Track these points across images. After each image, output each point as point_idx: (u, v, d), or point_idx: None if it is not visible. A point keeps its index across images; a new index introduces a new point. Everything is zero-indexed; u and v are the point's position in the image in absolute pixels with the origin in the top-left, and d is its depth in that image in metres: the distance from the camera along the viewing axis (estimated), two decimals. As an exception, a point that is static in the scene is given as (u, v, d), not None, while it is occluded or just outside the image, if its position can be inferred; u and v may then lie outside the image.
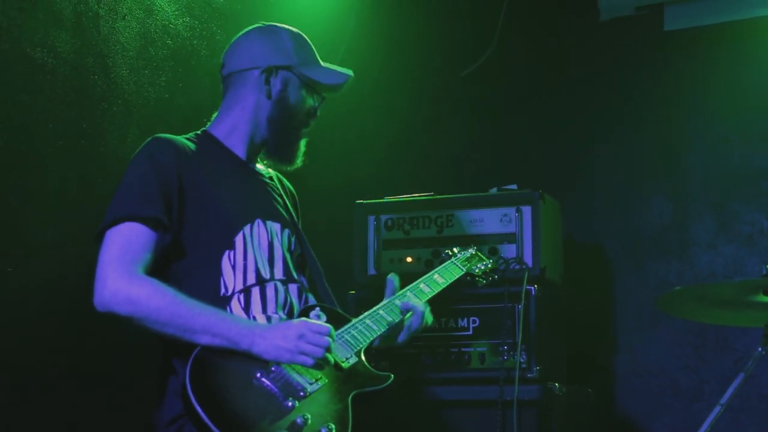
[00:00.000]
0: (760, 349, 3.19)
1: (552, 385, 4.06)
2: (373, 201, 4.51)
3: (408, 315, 3.05)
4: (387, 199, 4.51)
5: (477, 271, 3.53)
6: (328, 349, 2.70)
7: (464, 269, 3.46)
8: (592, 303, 4.82)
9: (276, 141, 3.03)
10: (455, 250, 3.56)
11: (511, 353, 4.10)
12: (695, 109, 4.81)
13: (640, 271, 4.78)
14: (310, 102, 3.07)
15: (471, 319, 4.24)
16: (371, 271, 4.42)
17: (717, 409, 3.10)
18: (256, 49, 3.04)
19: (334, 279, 3.24)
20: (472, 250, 3.59)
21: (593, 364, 4.75)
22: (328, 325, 2.75)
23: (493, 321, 4.19)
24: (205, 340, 2.64)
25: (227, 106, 3.06)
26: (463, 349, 4.21)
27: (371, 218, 4.47)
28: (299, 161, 3.10)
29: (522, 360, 4.08)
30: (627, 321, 4.78)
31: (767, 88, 4.67)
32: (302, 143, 3.09)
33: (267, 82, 3.01)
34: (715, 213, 4.71)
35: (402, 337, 3.06)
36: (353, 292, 4.27)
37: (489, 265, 3.61)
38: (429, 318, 3.10)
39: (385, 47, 5.05)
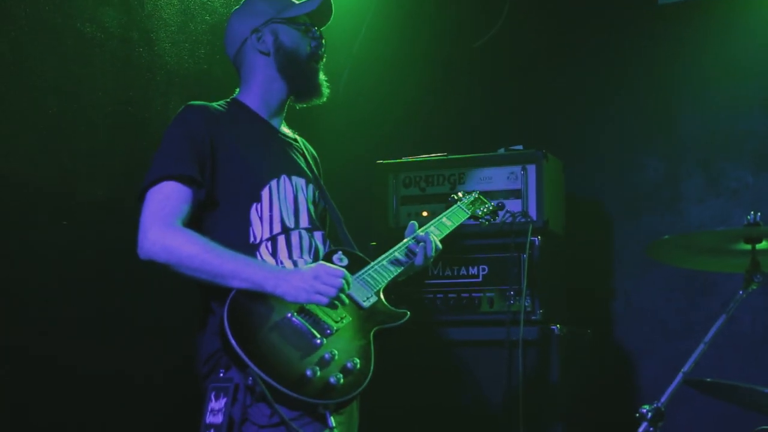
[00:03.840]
0: (741, 292, 3.18)
1: (554, 326, 4.10)
2: (392, 161, 4.53)
3: (421, 244, 3.08)
4: (405, 159, 4.53)
5: (480, 213, 3.54)
6: (341, 290, 2.72)
7: (469, 212, 3.48)
8: (591, 253, 4.84)
9: (295, 83, 3.03)
10: (460, 194, 3.57)
11: (517, 298, 4.13)
12: (687, 76, 4.78)
13: (635, 224, 4.79)
14: (306, 37, 3.05)
15: (481, 267, 4.28)
16: (391, 224, 4.46)
17: (701, 347, 3.11)
18: (237, 25, 3.06)
19: (357, 233, 3.26)
20: (475, 194, 3.59)
21: (592, 307, 4.77)
22: (343, 268, 2.77)
23: (500, 269, 4.22)
24: (234, 284, 2.68)
25: (244, 81, 3.07)
26: (473, 295, 4.25)
27: (390, 176, 4.50)
28: (326, 91, 3.08)
29: (527, 304, 4.11)
30: (623, 269, 4.80)
31: (753, 57, 4.63)
32: (321, 75, 3.07)
33: (259, 42, 3.02)
34: (704, 170, 4.70)
35: (419, 261, 3.08)
36: (374, 243, 4.31)
37: (491, 207, 3.62)
38: (438, 242, 3.12)
39: (403, 21, 5.04)
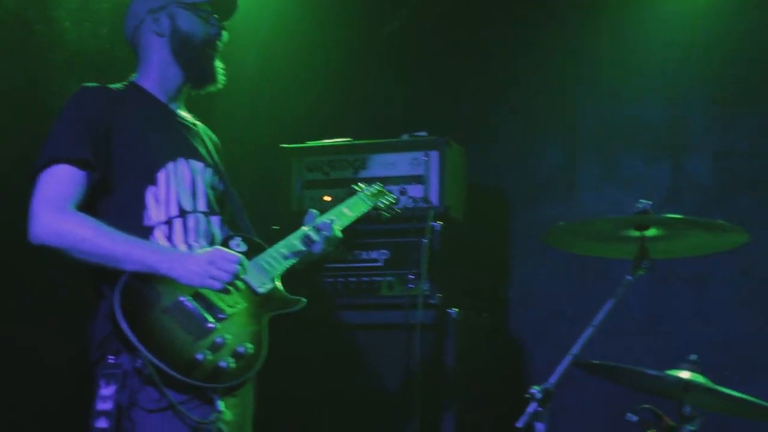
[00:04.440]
0: (629, 277, 3.25)
1: (452, 310, 4.14)
2: (296, 145, 4.51)
3: (321, 232, 3.07)
4: (309, 143, 4.51)
5: (381, 205, 3.55)
6: (236, 275, 2.71)
7: (371, 204, 3.47)
8: (490, 238, 4.90)
9: (188, 68, 2.99)
10: (362, 185, 3.57)
11: (417, 282, 4.16)
12: (586, 66, 4.86)
13: (534, 211, 4.86)
14: (205, 24, 3.01)
15: (381, 251, 4.29)
16: (294, 208, 4.44)
17: (589, 330, 3.17)
18: (136, 6, 3.03)
19: (260, 217, 3.24)
20: (377, 186, 3.60)
21: (490, 292, 4.83)
22: (240, 254, 2.76)
23: (401, 253, 4.24)
24: (128, 266, 2.64)
25: (141, 63, 3.03)
26: (374, 279, 4.27)
27: (294, 161, 4.48)
28: (221, 78, 3.05)
29: (426, 288, 4.14)
30: (520, 254, 4.87)
31: (648, 47, 4.73)
32: (216, 62, 3.03)
33: (155, 24, 2.98)
34: (600, 159, 4.80)
35: (317, 249, 3.07)
36: (277, 227, 4.27)
37: (392, 200, 3.63)
38: (338, 231, 3.12)
39: (310, 7, 5.00)
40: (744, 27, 4.58)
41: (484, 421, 4.28)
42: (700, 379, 3.22)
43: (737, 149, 4.56)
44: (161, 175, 2.84)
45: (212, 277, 2.67)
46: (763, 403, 3.21)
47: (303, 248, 3.04)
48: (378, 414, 4.13)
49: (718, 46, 4.60)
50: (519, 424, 2.98)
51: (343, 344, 4.22)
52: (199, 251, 2.73)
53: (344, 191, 4.20)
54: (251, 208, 3.17)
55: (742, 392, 3.32)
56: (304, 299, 2.94)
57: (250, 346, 2.71)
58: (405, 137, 4.44)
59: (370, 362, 4.18)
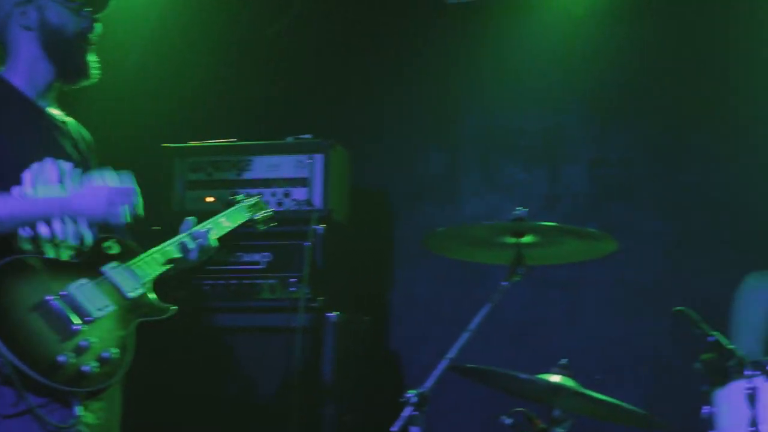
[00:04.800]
0: (505, 282, 3.30)
1: (333, 313, 4.14)
2: (179, 145, 4.44)
3: (197, 240, 3.03)
4: (192, 143, 4.45)
5: (258, 217, 3.55)
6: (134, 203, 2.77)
7: (248, 215, 3.48)
8: (373, 242, 4.91)
9: (59, 62, 2.91)
10: (241, 197, 3.57)
11: (298, 285, 4.15)
12: (469, 74, 4.92)
13: (417, 215, 4.90)
14: (76, 17, 2.93)
15: (263, 254, 4.27)
16: (175, 208, 4.37)
17: (465, 335, 3.21)
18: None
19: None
20: (256, 198, 3.60)
21: (372, 295, 4.85)
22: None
23: (283, 256, 4.24)
24: (38, 215, 2.66)
25: (10, 57, 2.92)
26: (255, 281, 4.24)
27: (177, 160, 4.41)
28: (94, 73, 2.97)
29: (307, 291, 4.13)
30: (403, 258, 4.89)
31: (528, 57, 4.81)
32: (89, 56, 2.95)
33: (23, 17, 2.89)
34: (481, 165, 4.86)
35: (192, 257, 3.03)
36: (158, 228, 4.19)
37: (269, 213, 3.64)
38: (213, 241, 3.09)
39: (197, 5, 4.93)
40: (618, 41, 4.72)
41: (362, 424, 4.29)
42: (569, 382, 3.30)
43: (611, 159, 4.69)
44: (27, 177, 2.75)
45: (113, 204, 2.71)
46: (629, 406, 3.31)
47: (178, 255, 3.00)
48: (256, 416, 4.11)
49: (594, 58, 4.73)
50: (394, 429, 3.00)
51: (222, 347, 4.18)
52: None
53: (228, 192, 4.18)
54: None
55: (611, 396, 3.43)
56: (174, 306, 2.89)
57: (115, 351, 2.66)
58: (290, 139, 4.43)
59: (249, 365, 4.16)
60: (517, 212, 3.32)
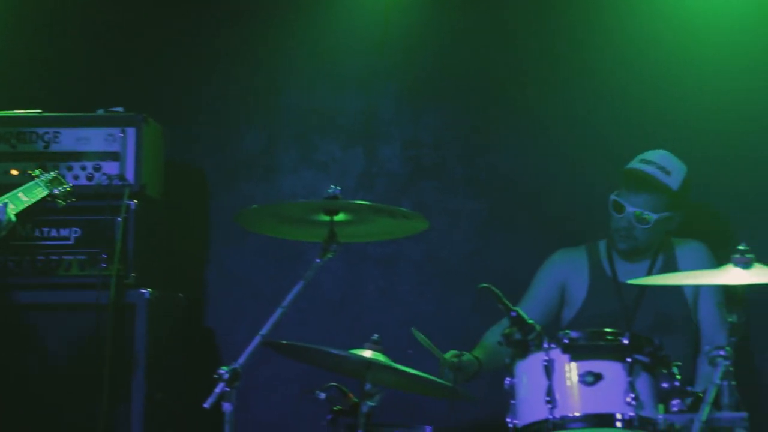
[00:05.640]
0: (318, 260, 3.35)
1: (145, 290, 4.09)
2: (-19, 115, 4.25)
3: None
4: (-7, 114, 4.27)
5: (58, 192, 3.48)
6: None
7: (47, 190, 3.40)
8: (189, 218, 4.85)
9: None
10: (38, 171, 3.48)
11: (109, 262, 4.07)
12: (286, 51, 4.90)
13: (233, 192, 4.86)
14: None
15: (73, 229, 4.16)
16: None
17: (279, 311, 3.24)
18: None
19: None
20: (54, 173, 3.53)
21: (187, 272, 4.80)
22: None
23: (94, 232, 4.14)
24: None
25: None
26: (64, 257, 4.13)
27: (-22, 131, 4.22)
28: None
29: (119, 268, 4.06)
30: (219, 235, 4.85)
31: (343, 39, 4.82)
32: None
33: None
34: (298, 144, 4.89)
35: None
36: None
37: (68, 188, 3.57)
38: (12, 215, 3.00)
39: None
40: (432, 26, 4.83)
41: (175, 402, 4.26)
42: (380, 357, 3.40)
43: (423, 140, 4.82)
44: None
45: None
46: (436, 379, 3.45)
47: None
48: (65, 395, 4.03)
49: (409, 41, 4.82)
50: (206, 405, 3.01)
51: (29, 325, 4.05)
52: None
53: (34, 165, 4.04)
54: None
55: (422, 368, 3.55)
56: None
57: None
58: (100, 112, 4.32)
59: (58, 343, 4.07)
60: (330, 191, 3.38)
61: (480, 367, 3.79)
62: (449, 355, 3.72)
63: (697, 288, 3.99)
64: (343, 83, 4.86)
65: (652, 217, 3.95)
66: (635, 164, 4.06)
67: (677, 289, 3.99)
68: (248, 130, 4.91)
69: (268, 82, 4.91)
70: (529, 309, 4.00)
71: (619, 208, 4.00)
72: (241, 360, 3.11)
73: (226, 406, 3.03)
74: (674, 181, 4.00)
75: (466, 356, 3.77)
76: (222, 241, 4.84)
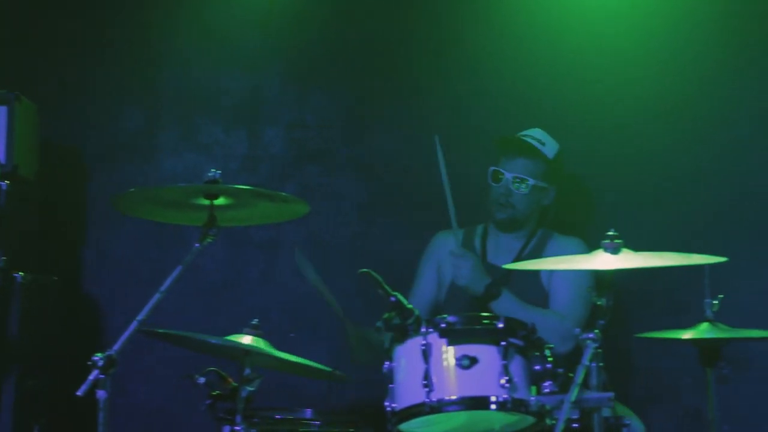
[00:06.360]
0: (197, 244, 3.32)
1: (17, 274, 3.99)
2: None
3: None
4: None
5: None
6: None
7: None
8: (66, 200, 4.74)
9: None
10: None
11: (-21, 245, 3.96)
12: (168, 31, 4.82)
13: (112, 173, 4.77)
14: None
15: (-60, 212, 4.02)
16: None
17: (156, 296, 3.20)
18: None
19: None
20: None
21: (63, 255, 4.69)
22: None
23: (-36, 214, 4.01)
24: None
25: None
26: (-70, 240, 3.99)
27: None
28: None
29: (-9, 250, 3.96)
30: (98, 217, 4.75)
31: (227, 18, 4.79)
32: None
33: None
34: (181, 124, 4.82)
35: None
36: None
37: None
38: None
39: None
40: (317, 5, 4.82)
41: (48, 389, 4.18)
42: (259, 343, 3.40)
43: (308, 122, 4.81)
44: None
45: None
46: (313, 363, 3.48)
47: None
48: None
49: (294, 22, 4.80)
50: (79, 393, 2.96)
51: None
52: None
53: None
54: None
55: (304, 351, 3.57)
56: None
57: None
58: (-32, 90, 4.19)
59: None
60: (210, 174, 3.35)
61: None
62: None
63: (550, 277, 4.11)
64: (225, 62, 4.81)
65: (530, 181, 4.09)
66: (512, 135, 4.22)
67: (535, 274, 4.11)
68: (127, 109, 4.82)
69: (148, 59, 4.82)
70: (415, 297, 4.08)
71: (498, 176, 4.15)
72: (117, 346, 3.07)
73: (101, 393, 2.98)
74: (549, 151, 4.19)
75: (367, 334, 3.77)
76: (100, 223, 4.75)
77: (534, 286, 4.10)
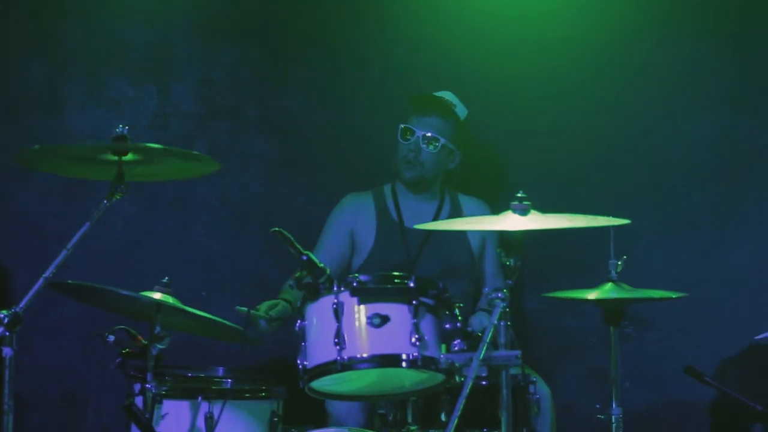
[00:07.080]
0: (105, 201, 3.26)
1: None
2: None
3: None
4: None
5: None
6: None
7: None
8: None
9: None
10: None
11: None
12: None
13: (16, 128, 4.63)
14: None
15: None
16: None
17: (64, 252, 3.14)
18: None
19: None
20: None
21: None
22: None
23: None
24: None
25: None
26: None
27: None
28: None
29: None
30: (1, 173, 4.59)
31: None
32: None
33: None
34: (88, 79, 4.70)
35: None
36: None
37: None
38: None
39: None
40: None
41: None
42: (169, 299, 3.39)
43: (218, 79, 4.75)
44: None
45: None
46: (225, 322, 3.48)
47: None
48: None
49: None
50: (-17, 351, 2.91)
51: None
52: None
53: None
54: None
55: (214, 311, 3.57)
56: None
57: None
58: None
59: None
60: (117, 131, 3.29)
61: (293, 310, 3.79)
62: (264, 308, 3.75)
63: (483, 239, 4.20)
64: (134, 17, 4.69)
65: (440, 140, 4.13)
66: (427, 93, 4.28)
67: (462, 237, 4.19)
68: (31, 61, 4.67)
69: (52, 13, 4.66)
70: (322, 256, 4.09)
71: (408, 133, 4.17)
72: (23, 303, 3.02)
73: (6, 351, 2.95)
74: (461, 112, 4.25)
75: (279, 305, 3.80)
76: (4, 178, 4.61)
77: (462, 251, 4.17)
